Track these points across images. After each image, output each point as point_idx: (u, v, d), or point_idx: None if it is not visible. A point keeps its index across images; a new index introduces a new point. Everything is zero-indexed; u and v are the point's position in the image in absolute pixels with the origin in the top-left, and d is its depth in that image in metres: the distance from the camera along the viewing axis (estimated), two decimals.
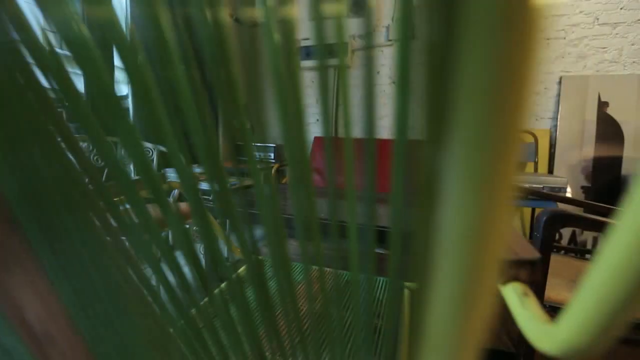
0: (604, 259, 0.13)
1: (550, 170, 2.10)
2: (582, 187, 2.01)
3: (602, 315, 0.14)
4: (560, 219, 0.77)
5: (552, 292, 0.88)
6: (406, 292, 0.74)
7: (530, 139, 2.12)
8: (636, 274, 0.12)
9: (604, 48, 2.02)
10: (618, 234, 0.12)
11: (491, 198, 0.10)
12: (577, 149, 2.03)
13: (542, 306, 0.80)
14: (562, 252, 1.77)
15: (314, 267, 0.84)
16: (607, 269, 0.13)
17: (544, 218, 0.78)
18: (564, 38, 2.08)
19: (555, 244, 1.93)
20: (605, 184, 1.97)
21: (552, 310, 0.82)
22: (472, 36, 0.09)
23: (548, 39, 2.11)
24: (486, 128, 0.10)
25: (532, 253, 0.26)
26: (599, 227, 0.76)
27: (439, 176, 0.11)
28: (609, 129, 1.98)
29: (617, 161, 1.96)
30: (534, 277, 0.27)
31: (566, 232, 2.01)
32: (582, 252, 1.52)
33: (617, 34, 1.99)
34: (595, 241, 1.97)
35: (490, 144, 0.10)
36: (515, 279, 0.27)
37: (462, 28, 0.09)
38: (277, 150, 2.47)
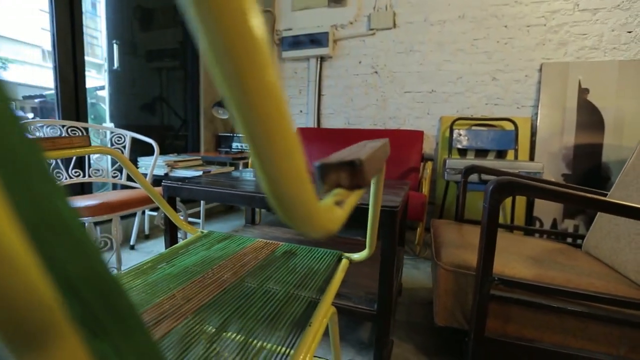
0: None
1: (532, 158, 2.08)
2: (563, 175, 1.99)
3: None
4: (507, 187, 0.75)
5: (506, 267, 0.86)
6: (344, 261, 0.72)
7: (511, 127, 2.10)
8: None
9: (585, 34, 1.99)
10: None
11: None
12: (558, 136, 2.01)
13: (492, 279, 0.78)
14: (544, 236, 1.74)
15: (258, 239, 0.81)
16: None
17: (491, 187, 0.76)
18: (545, 25, 2.06)
19: (533, 227, 1.91)
20: (585, 172, 1.95)
21: (504, 283, 0.79)
22: None
23: (528, 27, 2.09)
24: None
25: (355, 157, 0.24)
26: (546, 195, 0.73)
27: None
28: (589, 116, 1.96)
29: (597, 148, 1.93)
30: (355, 180, 0.25)
31: (547, 219, 1.98)
32: (563, 236, 1.49)
33: (597, 20, 1.97)
34: (576, 228, 1.94)
35: None
36: (338, 184, 0.25)
37: None
38: None
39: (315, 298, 0.55)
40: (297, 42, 2.54)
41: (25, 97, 2.29)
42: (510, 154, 2.09)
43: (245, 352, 0.42)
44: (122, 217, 2.00)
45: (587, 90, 1.97)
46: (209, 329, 0.45)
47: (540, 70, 2.08)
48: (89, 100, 2.25)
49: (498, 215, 0.76)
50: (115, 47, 2.02)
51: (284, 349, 0.44)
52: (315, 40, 2.48)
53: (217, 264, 0.66)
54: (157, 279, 0.59)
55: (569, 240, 1.43)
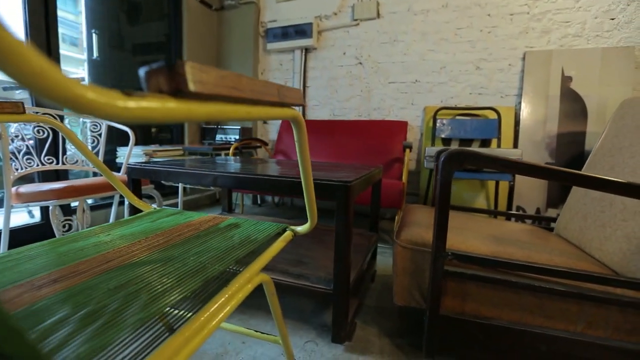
0: None
1: (515, 147, 2.06)
2: (547, 164, 1.96)
3: None
4: (458, 157, 0.73)
5: (463, 244, 0.84)
6: (287, 233, 0.70)
7: (494, 116, 2.08)
8: None
9: (568, 22, 1.97)
10: None
11: None
12: (542, 125, 1.99)
13: (445, 254, 0.76)
14: (530, 221, 1.71)
15: (208, 214, 0.80)
16: None
17: (442, 158, 0.74)
18: (528, 13, 2.04)
19: (514, 212, 1.87)
20: (569, 160, 1.93)
21: (457, 258, 0.77)
22: None
23: (512, 15, 2.07)
24: None
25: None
26: (496, 164, 0.71)
27: None
28: (572, 104, 1.93)
29: (580, 137, 1.91)
30: (175, 84, 0.23)
31: (530, 208, 1.96)
32: (547, 220, 1.46)
33: (580, 7, 1.95)
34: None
35: None
36: (159, 89, 0.23)
37: None
38: (241, 131, 2.43)
39: (240, 265, 0.54)
40: (282, 33, 2.52)
41: (5, 89, 2.27)
42: (494, 143, 2.07)
43: (142, 311, 0.40)
44: (103, 207, 1.98)
45: (570, 78, 1.95)
46: (113, 287, 0.44)
47: (524, 58, 2.06)
48: None
49: (450, 188, 0.74)
50: (94, 36, 2.00)
51: (188, 313, 0.42)
52: (300, 31, 2.46)
53: (154, 233, 0.65)
54: (85, 245, 0.57)
55: (552, 225, 1.40)
